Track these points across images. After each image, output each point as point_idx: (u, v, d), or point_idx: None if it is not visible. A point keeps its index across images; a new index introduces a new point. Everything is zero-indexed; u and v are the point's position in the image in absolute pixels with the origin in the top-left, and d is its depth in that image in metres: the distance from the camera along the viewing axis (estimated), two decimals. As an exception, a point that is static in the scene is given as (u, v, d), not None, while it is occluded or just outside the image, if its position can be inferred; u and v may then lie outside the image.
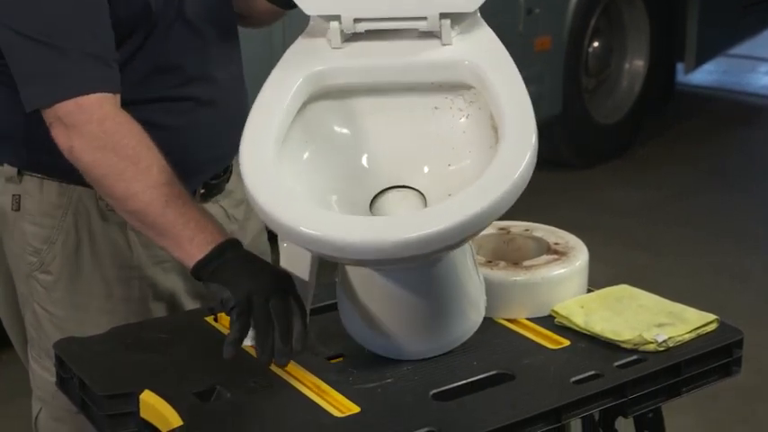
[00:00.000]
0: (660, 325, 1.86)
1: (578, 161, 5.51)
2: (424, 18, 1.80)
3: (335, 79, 1.80)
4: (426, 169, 1.79)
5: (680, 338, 1.84)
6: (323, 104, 1.81)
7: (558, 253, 2.00)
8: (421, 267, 1.73)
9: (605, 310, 1.92)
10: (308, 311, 1.75)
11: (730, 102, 6.94)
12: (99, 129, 1.75)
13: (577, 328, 1.89)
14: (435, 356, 1.81)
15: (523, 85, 1.73)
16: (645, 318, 1.90)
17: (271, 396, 1.71)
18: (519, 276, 1.94)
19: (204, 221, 1.75)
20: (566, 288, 1.96)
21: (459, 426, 1.63)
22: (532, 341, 1.88)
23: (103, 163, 1.75)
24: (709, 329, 1.89)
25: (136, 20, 1.85)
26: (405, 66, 1.81)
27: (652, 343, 1.82)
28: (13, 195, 1.99)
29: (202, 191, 2.04)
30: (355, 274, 1.78)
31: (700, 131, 6.28)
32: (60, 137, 1.77)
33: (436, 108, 1.81)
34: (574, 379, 1.75)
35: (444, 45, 1.82)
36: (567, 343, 1.86)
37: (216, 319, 1.94)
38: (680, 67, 6.42)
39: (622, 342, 1.83)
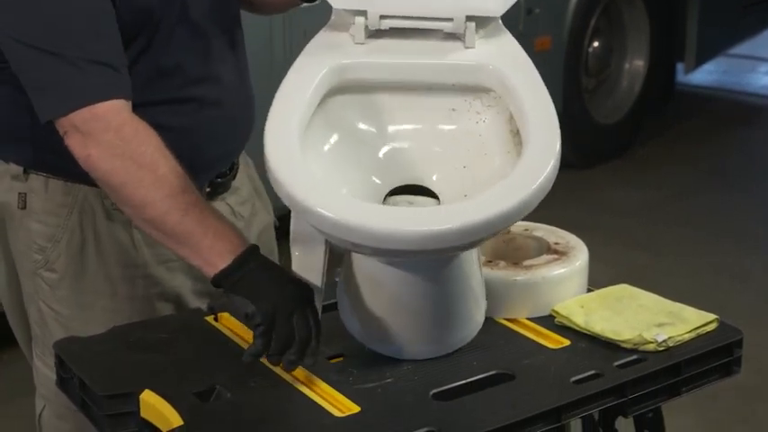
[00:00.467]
0: (660, 325, 1.86)
1: (578, 161, 5.51)
2: (450, 19, 1.81)
3: (357, 74, 1.81)
4: (441, 169, 1.80)
5: (680, 338, 1.84)
6: (343, 98, 1.82)
7: (558, 253, 2.00)
8: (432, 267, 1.73)
9: (605, 309, 1.92)
10: (318, 312, 1.76)
11: (730, 102, 6.94)
12: (116, 136, 1.75)
13: (577, 328, 1.89)
14: (436, 356, 1.81)
15: (547, 92, 1.75)
16: (645, 317, 1.90)
17: (271, 396, 1.71)
18: (519, 276, 1.94)
19: (222, 229, 1.75)
20: (566, 288, 1.96)
21: (459, 426, 1.63)
22: (532, 341, 1.88)
23: (122, 171, 1.75)
24: (709, 329, 1.89)
25: (139, 23, 1.85)
26: (427, 65, 1.82)
27: (652, 343, 1.82)
28: (20, 194, 1.99)
29: (208, 189, 2.04)
30: (362, 274, 1.78)
31: (700, 131, 6.27)
32: (77, 146, 1.77)
33: (453, 110, 1.82)
34: (574, 379, 1.75)
35: (467, 48, 1.82)
36: (567, 343, 1.86)
37: (216, 319, 1.94)
38: (680, 67, 6.42)
39: (622, 342, 1.83)
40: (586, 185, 5.30)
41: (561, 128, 1.66)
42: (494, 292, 1.91)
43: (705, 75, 7.19)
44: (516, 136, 1.77)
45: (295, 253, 1.79)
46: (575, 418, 1.73)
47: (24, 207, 1.99)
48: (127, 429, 1.71)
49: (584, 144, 5.55)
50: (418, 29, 1.82)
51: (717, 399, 3.43)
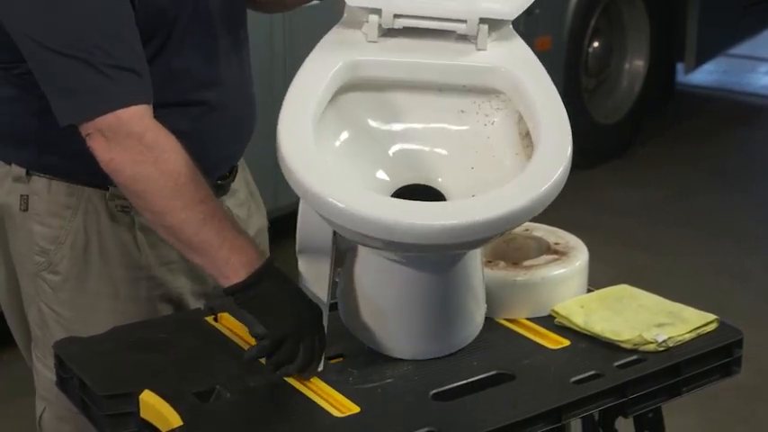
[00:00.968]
0: (660, 325, 1.86)
1: (578, 161, 5.47)
2: (463, 21, 1.81)
3: (370, 71, 1.82)
4: (448, 170, 1.81)
5: (680, 338, 1.84)
6: (354, 95, 1.83)
7: (558, 253, 2.00)
8: (434, 267, 1.74)
9: (605, 309, 1.92)
10: (325, 332, 1.77)
11: (730, 102, 6.94)
12: (140, 143, 1.75)
13: (577, 328, 1.89)
14: (436, 357, 1.81)
15: (558, 95, 1.76)
16: (645, 318, 1.90)
17: (270, 396, 1.72)
18: (519, 276, 1.94)
19: (240, 241, 1.76)
20: (566, 288, 1.96)
21: (459, 426, 1.63)
22: (532, 341, 1.88)
23: (143, 178, 1.75)
24: (709, 329, 1.89)
25: (154, 26, 1.85)
26: (440, 66, 1.83)
27: (652, 343, 1.82)
28: (21, 195, 1.99)
29: None
30: (364, 274, 1.79)
31: (700, 131, 6.27)
32: (100, 149, 1.77)
33: (462, 111, 1.83)
34: (574, 379, 1.75)
35: (479, 50, 1.83)
36: (567, 343, 1.86)
37: (216, 319, 1.94)
38: (680, 67, 6.41)
39: (622, 342, 1.83)
40: (586, 185, 5.30)
41: (561, 128, 1.67)
42: (494, 293, 1.91)
43: (705, 75, 7.18)
44: (525, 138, 1.77)
45: (302, 264, 1.80)
46: (575, 418, 1.73)
47: (26, 209, 1.98)
48: (127, 429, 1.71)
49: (584, 144, 5.52)
50: (430, 29, 1.83)
51: (717, 399, 3.43)
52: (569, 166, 1.65)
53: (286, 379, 1.75)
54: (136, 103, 1.76)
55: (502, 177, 1.71)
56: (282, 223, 3.30)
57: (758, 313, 4.07)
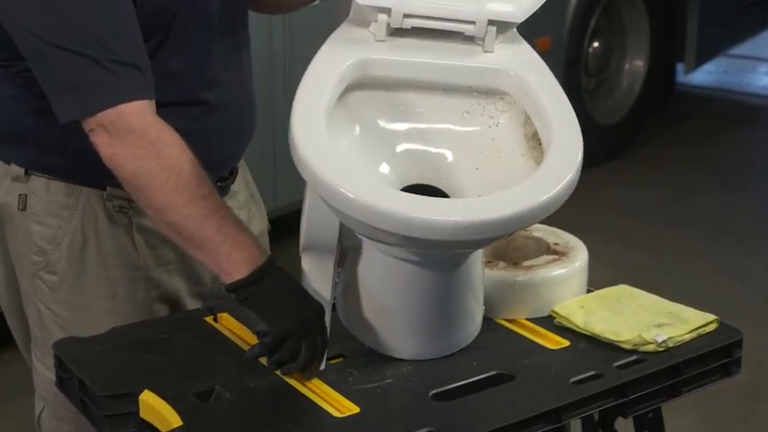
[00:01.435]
0: (660, 325, 1.86)
1: (578, 161, 5.50)
2: (472, 22, 1.82)
3: (379, 70, 1.82)
4: (453, 170, 1.81)
5: (680, 339, 1.84)
6: (362, 93, 1.83)
7: (557, 253, 2.00)
8: (435, 268, 1.74)
9: (605, 310, 1.92)
10: (327, 331, 1.77)
11: (730, 102, 6.94)
12: (142, 138, 1.75)
13: (577, 329, 1.89)
14: (436, 357, 1.81)
15: (566, 98, 1.78)
16: (644, 318, 1.90)
17: (270, 396, 1.72)
18: (519, 276, 1.94)
19: (242, 238, 1.75)
20: (565, 288, 1.96)
21: (459, 426, 1.63)
22: (532, 341, 1.88)
23: (145, 173, 1.75)
24: (709, 329, 1.89)
25: (153, 25, 1.85)
26: (448, 67, 1.83)
27: (651, 343, 1.82)
28: (20, 195, 1.99)
29: None
30: (364, 274, 1.79)
31: (700, 131, 6.27)
32: (102, 144, 1.77)
33: (467, 112, 1.84)
34: (574, 379, 1.75)
35: (486, 52, 1.84)
36: (566, 343, 1.86)
37: (216, 319, 1.94)
38: (680, 67, 6.41)
39: (622, 342, 1.83)
40: (586, 185, 5.25)
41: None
42: (494, 293, 1.91)
43: (705, 75, 7.18)
44: (531, 140, 1.78)
45: (305, 262, 1.80)
46: (574, 418, 1.73)
47: (24, 208, 1.98)
48: (126, 430, 1.71)
49: (585, 144, 5.54)
50: (437, 30, 1.84)
51: (717, 399, 3.43)
52: (581, 166, 1.67)
53: (286, 379, 1.75)
54: (138, 99, 1.76)
55: (507, 179, 1.72)
56: (282, 223, 3.30)
57: (758, 313, 4.07)
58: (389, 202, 1.58)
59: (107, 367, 1.79)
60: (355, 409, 1.67)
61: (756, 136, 6.31)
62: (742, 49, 6.86)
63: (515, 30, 1.88)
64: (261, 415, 1.67)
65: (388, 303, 1.80)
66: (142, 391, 1.70)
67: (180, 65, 1.92)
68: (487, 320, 1.91)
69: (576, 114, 1.75)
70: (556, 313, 1.93)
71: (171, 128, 1.78)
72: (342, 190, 1.58)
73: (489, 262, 1.97)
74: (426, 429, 1.62)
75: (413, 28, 1.84)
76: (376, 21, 1.83)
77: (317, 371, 1.76)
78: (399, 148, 1.83)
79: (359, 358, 1.82)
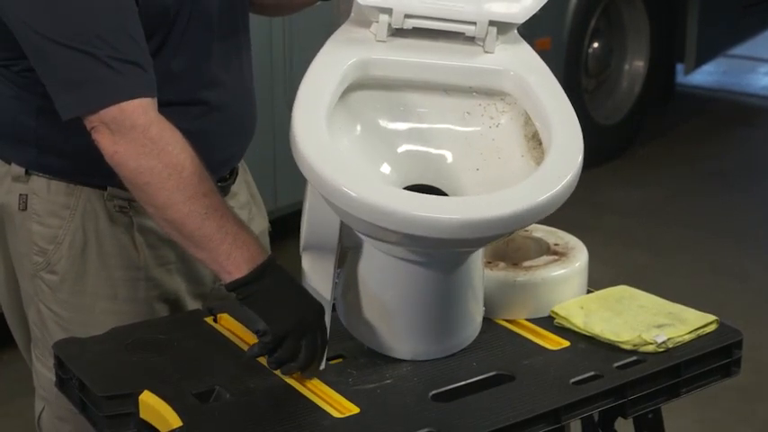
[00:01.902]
0: (660, 326, 1.86)
1: (578, 161, 5.49)
2: (473, 23, 1.82)
3: (380, 70, 1.83)
4: (453, 171, 1.82)
5: (679, 339, 1.84)
6: (363, 93, 1.83)
7: (557, 254, 2.00)
8: (436, 268, 1.74)
9: (605, 310, 1.92)
10: (327, 330, 1.77)
11: (730, 102, 6.94)
12: (144, 135, 1.75)
13: (577, 329, 1.89)
14: (435, 358, 1.82)
15: (567, 98, 1.78)
16: (644, 318, 1.90)
17: (270, 397, 1.72)
18: (519, 277, 1.94)
19: (242, 236, 1.76)
20: (565, 289, 1.96)
21: (458, 427, 1.63)
22: (532, 342, 1.88)
23: (147, 171, 1.75)
24: (709, 330, 1.89)
25: (155, 24, 1.86)
26: (448, 67, 1.84)
27: (651, 344, 1.82)
28: (20, 195, 1.99)
29: None
30: (364, 274, 1.79)
31: (700, 132, 6.27)
32: (105, 141, 1.77)
33: (468, 113, 1.84)
34: (573, 380, 1.75)
35: (486, 52, 1.84)
36: (566, 344, 1.86)
37: (215, 320, 1.94)
38: (680, 67, 6.41)
39: (622, 343, 1.83)
40: (586, 186, 5.26)
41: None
42: (493, 293, 1.91)
43: (705, 75, 7.18)
44: (531, 140, 1.78)
45: (305, 261, 1.80)
46: (574, 419, 1.73)
47: (25, 208, 1.99)
48: (126, 430, 1.71)
49: (585, 144, 5.53)
50: (438, 31, 1.84)
51: (716, 399, 3.43)
52: (581, 165, 1.67)
53: (286, 379, 1.75)
54: (141, 96, 1.76)
55: (507, 179, 1.72)
56: (283, 224, 3.30)
57: (758, 313, 4.07)
58: (391, 200, 1.58)
59: (107, 368, 1.79)
60: (355, 410, 1.67)
61: (756, 136, 6.31)
62: (742, 49, 6.86)
63: (516, 31, 1.88)
64: (261, 415, 1.67)
65: (388, 304, 1.80)
66: (142, 392, 1.70)
67: (181, 65, 1.92)
68: (487, 321, 1.91)
69: (577, 115, 1.76)
70: (556, 314, 1.93)
71: (173, 126, 1.78)
72: (343, 188, 1.59)
73: (489, 262, 1.97)
74: (426, 430, 1.62)
75: (414, 28, 1.84)
76: (377, 21, 1.83)
77: (317, 371, 1.76)
78: (400, 149, 1.83)
79: (359, 359, 1.82)
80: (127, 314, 2.00)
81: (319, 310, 1.76)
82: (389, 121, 1.84)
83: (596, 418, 1.87)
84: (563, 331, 1.90)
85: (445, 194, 1.79)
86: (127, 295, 2.01)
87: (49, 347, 1.95)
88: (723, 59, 7.05)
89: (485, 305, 1.89)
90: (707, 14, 6.01)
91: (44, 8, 1.75)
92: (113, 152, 1.76)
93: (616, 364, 1.80)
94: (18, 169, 1.99)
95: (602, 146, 5.68)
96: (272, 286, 1.74)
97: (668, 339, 1.83)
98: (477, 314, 1.86)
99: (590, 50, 5.66)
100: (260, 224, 2.18)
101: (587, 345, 1.86)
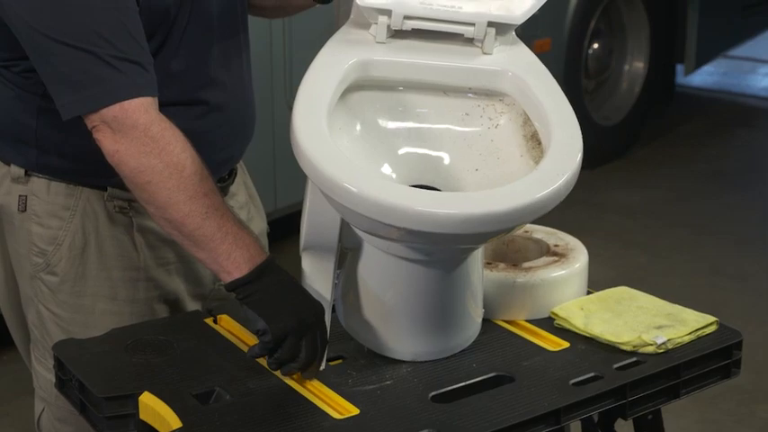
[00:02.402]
0: (659, 327, 1.86)
1: (578, 162, 5.49)
2: (471, 24, 1.83)
3: (379, 71, 1.83)
4: (453, 171, 1.82)
5: (679, 340, 1.84)
6: (362, 93, 1.84)
7: (557, 255, 2.00)
8: (435, 269, 1.75)
9: (605, 311, 1.92)
10: (327, 330, 1.77)
11: (730, 103, 6.94)
12: (145, 134, 1.75)
13: (577, 330, 1.89)
14: (435, 359, 1.82)
15: (565, 97, 1.79)
16: (644, 320, 1.90)
17: (270, 398, 1.71)
18: (519, 278, 1.94)
19: (242, 236, 1.76)
20: (565, 290, 1.96)
21: (458, 428, 1.63)
22: (532, 343, 1.88)
23: (148, 170, 1.75)
24: (709, 331, 1.89)
25: (155, 24, 1.86)
26: (447, 68, 1.84)
27: (651, 345, 1.82)
28: (20, 196, 1.99)
29: None
30: (364, 275, 1.79)
31: (700, 133, 6.27)
32: (106, 140, 1.77)
33: (467, 114, 1.84)
34: (573, 381, 1.75)
35: (485, 54, 1.85)
36: (566, 345, 1.86)
37: (215, 321, 1.94)
38: (680, 68, 6.41)
39: (622, 344, 1.83)
40: (586, 187, 5.28)
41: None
42: (493, 294, 1.91)
43: (705, 76, 7.19)
44: (530, 141, 1.79)
45: (305, 262, 1.80)
46: (574, 420, 1.73)
47: (24, 210, 1.99)
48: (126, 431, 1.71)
49: (584, 145, 5.53)
50: (437, 32, 1.85)
51: (716, 399, 3.43)
52: (581, 162, 1.68)
53: (285, 380, 1.75)
54: (142, 95, 1.77)
55: (506, 179, 1.73)
56: (282, 225, 3.30)
57: (757, 314, 4.08)
58: (392, 196, 1.59)
59: (107, 369, 1.79)
60: (355, 411, 1.67)
61: (756, 137, 6.32)
62: (742, 50, 6.86)
63: (513, 32, 1.89)
64: (260, 416, 1.67)
65: (388, 305, 1.80)
66: (142, 393, 1.70)
67: (180, 65, 1.92)
68: (487, 322, 1.91)
69: (576, 116, 1.76)
70: (555, 315, 1.93)
71: (174, 125, 1.79)
72: (345, 184, 1.59)
73: (489, 263, 1.97)
74: (426, 431, 1.62)
75: (413, 30, 1.84)
76: (376, 23, 1.83)
77: (318, 371, 1.76)
78: (399, 149, 1.84)
79: (358, 360, 1.82)
80: (127, 315, 2.00)
81: (319, 310, 1.76)
82: (389, 122, 1.84)
83: (596, 419, 1.87)
84: (563, 332, 1.90)
85: None
86: (127, 296, 2.01)
87: (49, 349, 1.95)
88: (723, 60, 7.06)
89: (485, 306, 1.89)
90: (707, 15, 6.01)
91: (45, 6, 1.76)
92: (114, 151, 1.76)
93: (616, 365, 1.80)
94: (17, 170, 1.99)
95: (602, 147, 5.68)
96: (271, 286, 1.74)
97: (668, 340, 1.83)
98: (476, 315, 1.87)
99: (590, 51, 5.66)
100: (258, 225, 2.18)
101: (587, 346, 1.86)
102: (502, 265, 1.97)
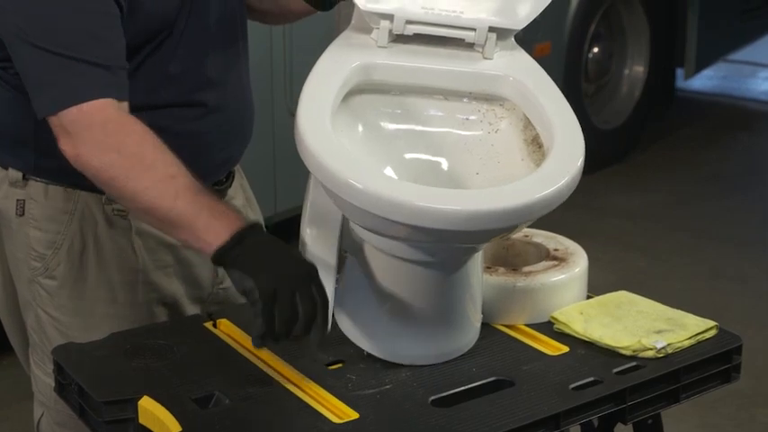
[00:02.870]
0: (659, 331, 1.86)
1: (578, 166, 5.49)
2: (472, 29, 1.84)
3: (381, 75, 1.84)
4: (453, 175, 1.82)
5: (679, 345, 1.84)
6: (363, 97, 1.84)
7: (557, 259, 2.00)
8: (435, 272, 1.75)
9: (604, 316, 1.92)
10: (331, 299, 1.72)
11: (730, 107, 6.94)
12: (102, 132, 1.75)
13: (576, 335, 1.89)
14: (435, 363, 1.81)
15: (566, 101, 1.79)
16: (644, 324, 1.89)
17: (269, 402, 1.71)
18: (518, 282, 1.94)
19: (219, 208, 1.73)
20: (565, 294, 1.96)
21: (458, 432, 1.63)
22: (532, 347, 1.88)
23: (110, 165, 1.75)
24: (709, 336, 1.89)
25: (153, 28, 1.86)
26: (448, 72, 1.85)
27: (651, 349, 1.82)
28: (18, 200, 1.99)
29: None
30: (363, 279, 1.79)
31: (699, 137, 6.28)
32: (67, 146, 1.77)
33: (467, 118, 1.85)
34: (573, 385, 1.75)
35: (486, 59, 1.86)
36: (566, 349, 1.86)
37: (215, 325, 1.94)
38: (680, 72, 6.42)
39: (621, 348, 1.83)
40: (586, 191, 5.26)
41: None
42: (493, 299, 1.91)
43: (705, 80, 7.19)
44: (531, 145, 1.79)
45: (307, 231, 1.79)
46: (574, 424, 1.73)
47: (23, 214, 1.98)
48: (125, 435, 1.71)
49: (585, 148, 5.53)
50: (438, 37, 1.86)
51: (716, 404, 3.43)
52: (583, 164, 1.68)
53: (285, 384, 1.74)
54: (100, 97, 1.76)
55: (507, 182, 1.73)
56: (282, 229, 3.30)
57: (757, 318, 4.08)
58: (397, 192, 1.59)
59: (106, 373, 1.78)
60: (354, 415, 1.67)
61: (756, 141, 6.32)
62: (742, 54, 6.86)
63: (513, 38, 1.90)
64: (260, 421, 1.67)
65: (388, 309, 1.80)
66: (141, 397, 1.70)
67: (179, 67, 1.93)
68: (487, 326, 1.91)
69: (577, 119, 1.76)
70: (555, 319, 1.93)
71: (134, 118, 1.77)
72: (350, 180, 1.59)
73: (489, 267, 1.97)
74: (425, 435, 1.62)
75: (414, 34, 1.85)
76: (378, 27, 1.84)
77: (324, 334, 1.68)
78: (400, 152, 1.84)
79: (358, 364, 1.82)
80: (126, 318, 2.00)
81: (310, 266, 1.70)
82: (390, 125, 1.85)
83: (596, 423, 1.87)
84: (562, 337, 1.90)
85: None
86: (126, 299, 2.01)
87: (48, 353, 1.94)
88: (723, 64, 7.06)
89: (484, 310, 1.89)
90: (707, 19, 6.01)
91: (24, 9, 1.77)
92: (76, 155, 1.76)
93: (615, 370, 1.79)
94: (15, 174, 1.99)
95: (603, 150, 5.68)
96: (255, 246, 1.69)
97: (668, 345, 1.83)
98: (476, 319, 1.87)
99: (590, 55, 5.66)
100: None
101: (587, 350, 1.86)
102: (501, 270, 1.97)
